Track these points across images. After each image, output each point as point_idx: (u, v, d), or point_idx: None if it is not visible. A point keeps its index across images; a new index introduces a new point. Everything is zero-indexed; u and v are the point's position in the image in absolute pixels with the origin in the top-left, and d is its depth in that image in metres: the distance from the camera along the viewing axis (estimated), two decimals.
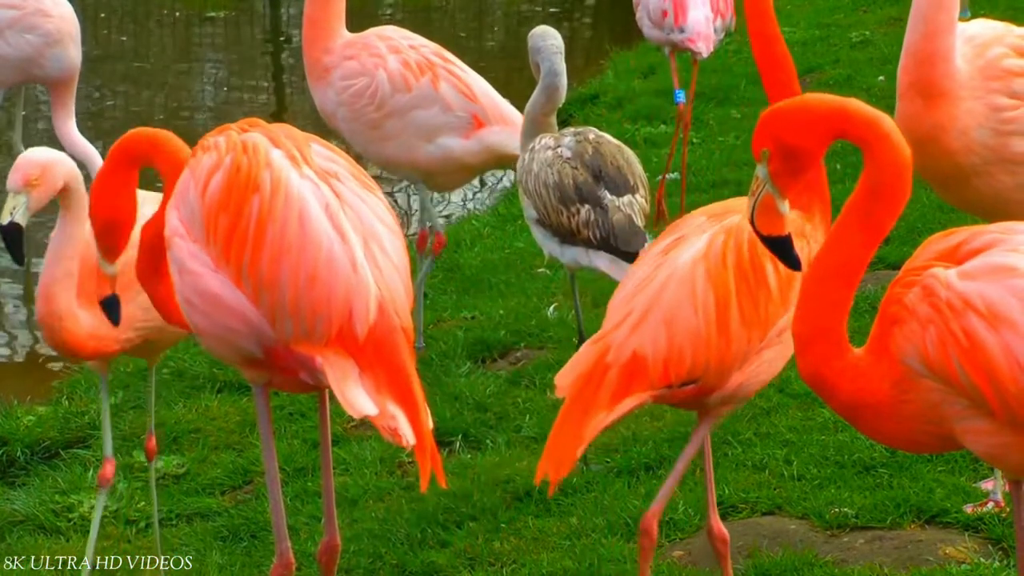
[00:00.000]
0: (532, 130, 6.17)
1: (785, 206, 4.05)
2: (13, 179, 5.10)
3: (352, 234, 4.10)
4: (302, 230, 4.05)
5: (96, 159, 9.66)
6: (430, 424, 4.11)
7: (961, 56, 5.18)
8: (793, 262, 4.09)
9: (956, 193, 5.44)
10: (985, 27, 5.34)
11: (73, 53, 9.61)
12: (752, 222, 4.06)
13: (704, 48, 8.60)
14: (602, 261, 5.81)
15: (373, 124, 7.15)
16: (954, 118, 5.11)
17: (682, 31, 8.55)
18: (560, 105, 6.25)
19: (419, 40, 7.27)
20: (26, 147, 10.13)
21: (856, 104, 4.00)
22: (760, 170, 4.03)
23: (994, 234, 3.99)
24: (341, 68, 7.13)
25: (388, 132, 7.16)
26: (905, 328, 3.98)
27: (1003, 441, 3.94)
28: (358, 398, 4.11)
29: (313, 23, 7.15)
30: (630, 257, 5.71)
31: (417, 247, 7.39)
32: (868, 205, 4.02)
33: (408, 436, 4.07)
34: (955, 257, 3.99)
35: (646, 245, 5.82)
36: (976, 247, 3.98)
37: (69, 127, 9.69)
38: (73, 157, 9.86)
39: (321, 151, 4.27)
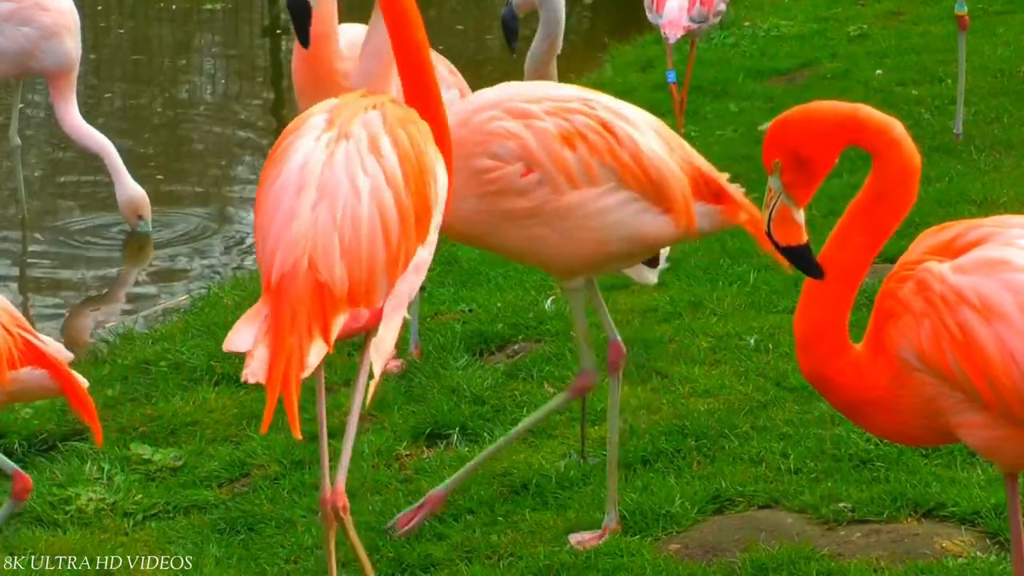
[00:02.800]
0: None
1: (800, 215, 4.05)
2: None
3: (310, 191, 4.50)
4: (271, 188, 4.56)
5: (109, 148, 9.66)
6: (298, 376, 4.44)
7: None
8: (814, 270, 4.07)
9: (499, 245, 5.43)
10: (488, 95, 5.22)
11: (70, 46, 9.60)
12: (769, 234, 4.05)
13: (671, 34, 9.32)
14: None
15: None
16: None
17: (660, 16, 9.33)
18: (559, 52, 6.22)
19: None
20: (22, 139, 10.20)
21: (867, 111, 4.00)
22: (773, 181, 4.03)
23: (988, 228, 4.00)
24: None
25: None
26: (900, 322, 3.99)
27: (998, 435, 3.95)
28: (237, 334, 4.50)
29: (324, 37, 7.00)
30: (648, 261, 5.76)
31: None
32: (873, 209, 4.03)
33: (249, 373, 4.44)
34: (949, 251, 4.00)
35: (664, 250, 5.83)
36: (970, 241, 3.99)
37: (73, 117, 9.70)
38: (83, 147, 9.91)
39: (371, 116, 4.64)
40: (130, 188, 9.80)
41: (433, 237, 4.69)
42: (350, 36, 6.88)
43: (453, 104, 5.24)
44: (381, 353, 4.61)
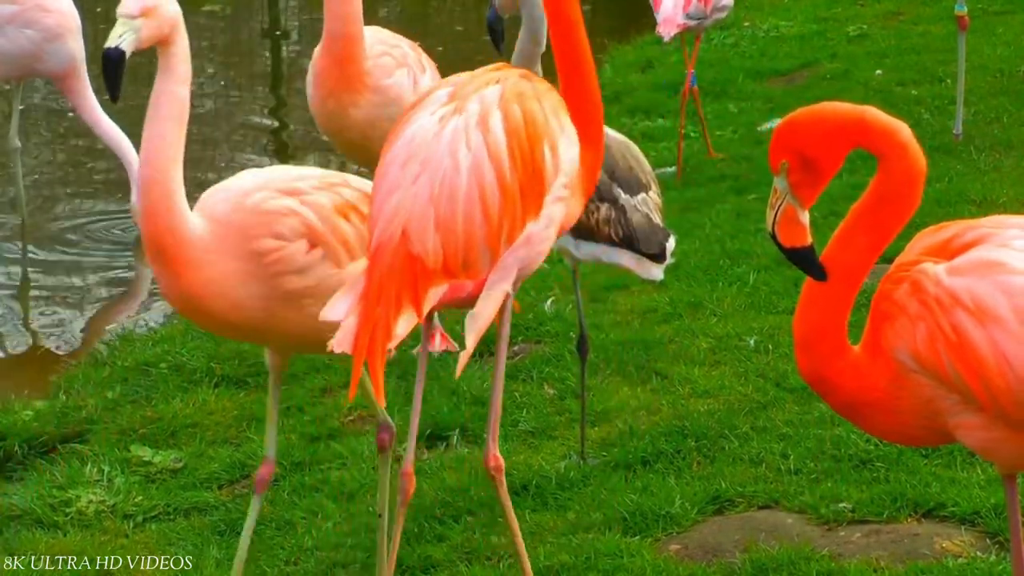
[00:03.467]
0: None
1: (806, 216, 4.05)
2: (128, 6, 4.87)
3: (413, 164, 4.60)
4: (382, 160, 4.69)
5: (128, 149, 9.65)
6: (384, 346, 4.50)
7: (212, 216, 4.94)
8: (817, 272, 4.06)
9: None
10: (251, 178, 5.10)
11: (73, 47, 9.60)
12: (773, 235, 4.05)
13: (665, 32, 9.38)
14: (627, 259, 5.85)
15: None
16: (207, 283, 4.91)
17: (658, 15, 9.40)
18: (543, 49, 6.18)
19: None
20: (22, 143, 10.19)
21: (875, 113, 4.00)
22: (779, 182, 4.03)
23: (985, 229, 4.00)
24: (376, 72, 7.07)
25: None
26: (896, 324, 3.99)
27: (994, 436, 3.95)
28: (334, 304, 4.62)
29: (355, 39, 7.00)
30: (653, 257, 5.77)
31: None
32: (878, 211, 4.02)
33: (335, 343, 4.54)
34: (946, 252, 4.00)
35: (669, 241, 5.84)
36: (967, 242, 3.99)
37: (95, 113, 9.70)
38: (106, 142, 9.89)
39: (489, 92, 4.69)
40: (135, 200, 9.81)
41: (550, 211, 4.68)
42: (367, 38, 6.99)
43: (217, 191, 5.06)
44: (475, 326, 4.62)
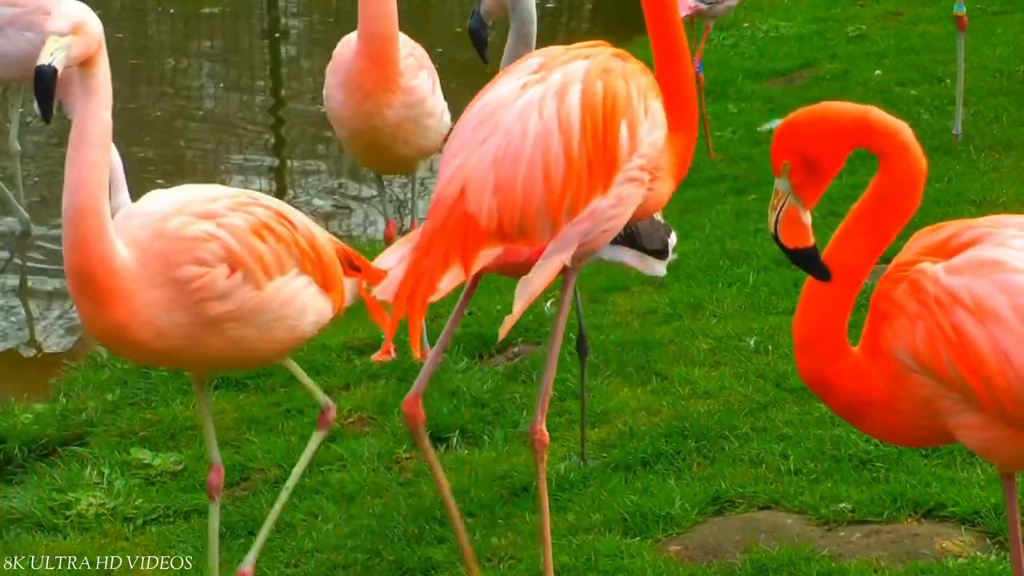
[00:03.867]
0: None
1: (807, 217, 4.05)
2: (59, 23, 4.74)
3: (485, 127, 4.68)
4: (459, 120, 4.79)
5: (114, 155, 9.64)
6: (425, 298, 4.60)
7: (134, 243, 4.86)
8: (821, 272, 4.06)
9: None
10: (165, 200, 5.01)
11: None
12: (776, 236, 4.05)
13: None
14: (629, 257, 5.86)
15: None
16: (134, 313, 4.85)
17: None
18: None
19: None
20: (22, 147, 10.18)
21: (877, 113, 4.00)
22: (781, 183, 4.03)
23: (982, 228, 4.00)
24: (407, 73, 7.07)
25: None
26: (895, 324, 3.99)
27: (994, 435, 3.95)
28: (387, 255, 4.91)
29: (393, 39, 6.94)
30: (655, 253, 5.78)
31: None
32: (878, 211, 4.03)
33: (379, 290, 4.74)
34: (944, 251, 4.00)
35: (671, 238, 5.84)
36: (964, 241, 3.99)
37: None
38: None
39: (576, 65, 4.75)
40: (120, 200, 9.80)
41: (621, 190, 4.72)
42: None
43: (132, 216, 4.95)
44: (526, 291, 4.69)
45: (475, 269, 4.64)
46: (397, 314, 4.65)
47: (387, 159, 7.20)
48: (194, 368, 5.25)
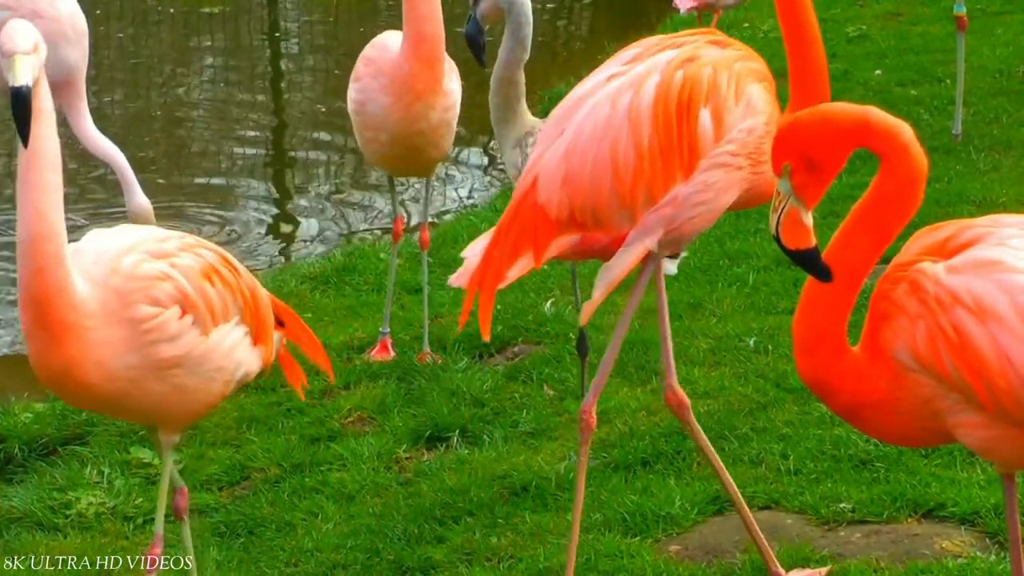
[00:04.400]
0: (504, 91, 5.90)
1: (809, 218, 4.05)
2: (23, 42, 4.51)
3: (565, 120, 4.84)
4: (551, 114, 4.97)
5: (120, 158, 9.66)
6: (493, 285, 4.81)
7: (89, 279, 4.67)
8: (822, 273, 4.06)
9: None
10: (114, 239, 4.82)
11: (68, 54, 9.54)
12: (777, 238, 4.05)
13: (681, 4, 10.21)
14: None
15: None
16: (87, 351, 4.65)
17: None
18: (528, 56, 6.11)
19: None
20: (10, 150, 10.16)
21: (877, 114, 4.00)
22: (782, 185, 4.03)
23: (982, 228, 4.00)
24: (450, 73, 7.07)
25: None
26: (895, 324, 3.99)
27: (994, 435, 3.95)
28: (472, 246, 5.10)
29: (441, 39, 6.92)
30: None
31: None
32: (879, 212, 4.03)
33: (453, 278, 5.04)
34: (943, 251, 4.00)
35: None
36: (964, 241, 3.99)
37: (86, 127, 9.65)
38: (98, 156, 9.89)
39: (663, 55, 4.84)
40: (137, 201, 9.80)
41: (707, 177, 4.79)
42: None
43: (83, 253, 4.72)
44: (606, 277, 4.80)
45: (547, 257, 4.83)
46: (468, 301, 4.81)
47: (417, 162, 7.16)
48: (128, 416, 5.10)
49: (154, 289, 4.76)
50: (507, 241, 4.80)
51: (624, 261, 4.80)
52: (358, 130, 7.14)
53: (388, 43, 7.04)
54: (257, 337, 5.07)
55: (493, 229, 4.91)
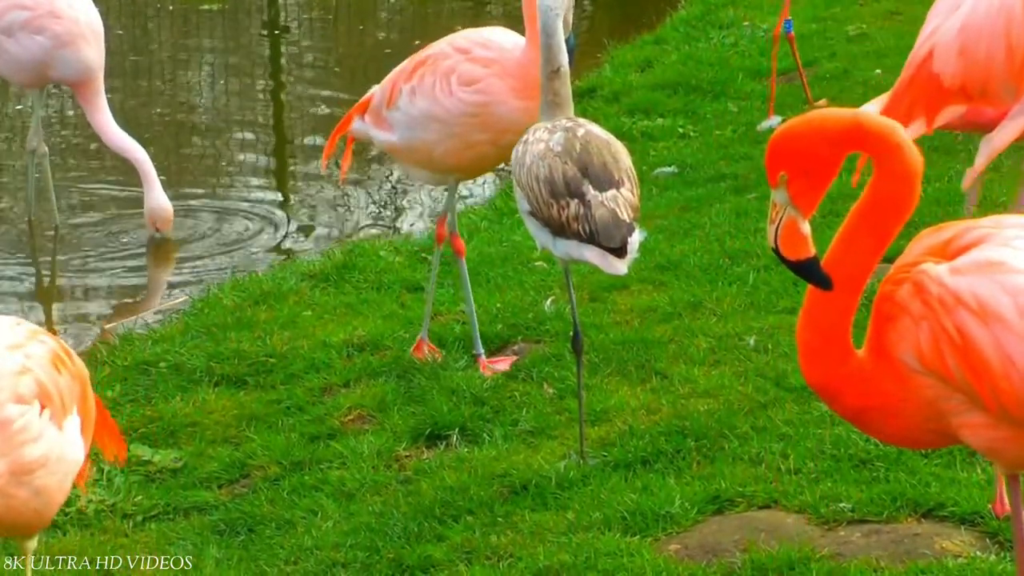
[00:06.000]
0: (544, 98, 6.10)
1: (807, 227, 4.05)
2: None
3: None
4: None
5: (142, 155, 9.68)
6: None
7: None
8: (822, 282, 4.06)
9: None
10: None
11: (86, 55, 9.58)
12: (776, 249, 4.05)
13: None
14: (592, 255, 5.86)
15: None
16: None
17: None
18: (560, 66, 6.11)
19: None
20: (48, 148, 10.18)
21: (868, 116, 4.01)
22: (778, 195, 4.02)
23: (985, 229, 4.01)
24: None
25: None
26: (898, 325, 3.99)
27: (1000, 435, 3.95)
28: (867, 106, 5.40)
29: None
30: (615, 252, 5.77)
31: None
32: (876, 212, 4.03)
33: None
34: (946, 252, 4.00)
35: (633, 236, 5.84)
36: (967, 242, 3.99)
37: (107, 125, 9.71)
38: (120, 154, 9.90)
39: None
40: (157, 200, 9.83)
41: None
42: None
43: None
44: (988, 147, 5.12)
45: (938, 124, 5.12)
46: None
47: (497, 161, 7.15)
48: None
49: (19, 385, 4.32)
50: (901, 105, 5.17)
51: (1006, 133, 5.12)
52: (459, 132, 6.88)
53: (502, 43, 6.82)
54: (84, 426, 4.62)
55: (881, 99, 5.36)
